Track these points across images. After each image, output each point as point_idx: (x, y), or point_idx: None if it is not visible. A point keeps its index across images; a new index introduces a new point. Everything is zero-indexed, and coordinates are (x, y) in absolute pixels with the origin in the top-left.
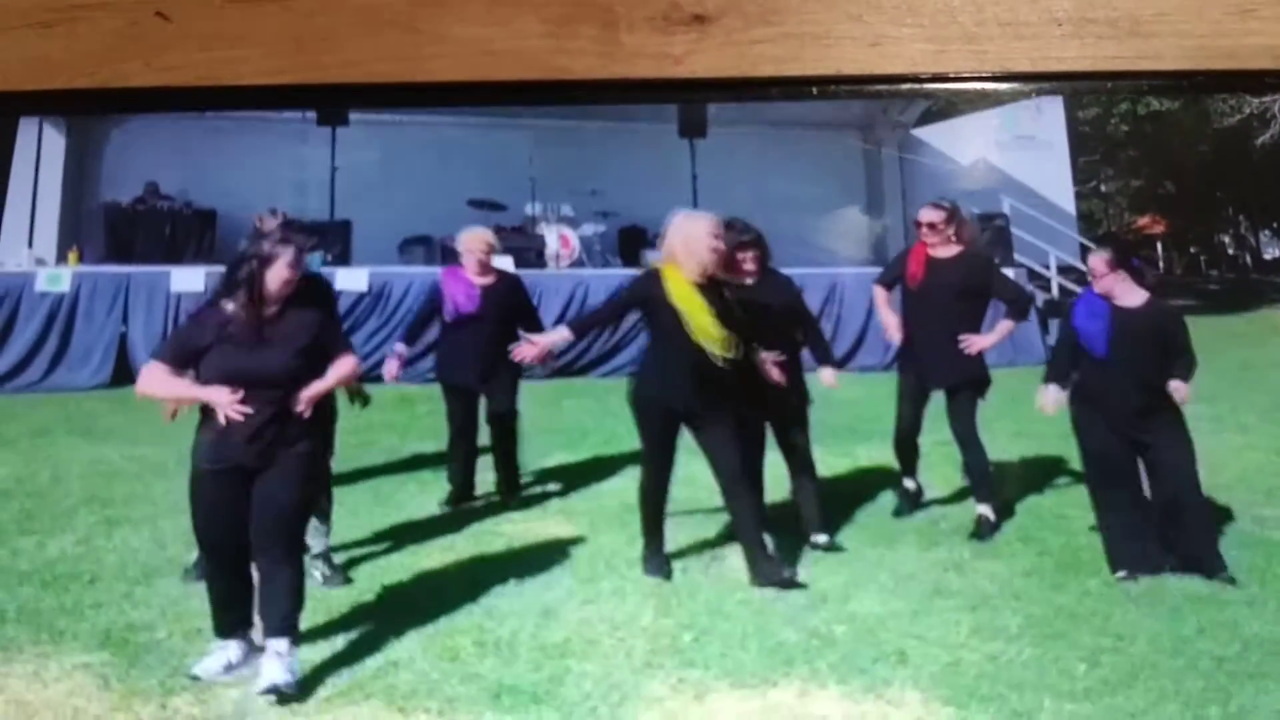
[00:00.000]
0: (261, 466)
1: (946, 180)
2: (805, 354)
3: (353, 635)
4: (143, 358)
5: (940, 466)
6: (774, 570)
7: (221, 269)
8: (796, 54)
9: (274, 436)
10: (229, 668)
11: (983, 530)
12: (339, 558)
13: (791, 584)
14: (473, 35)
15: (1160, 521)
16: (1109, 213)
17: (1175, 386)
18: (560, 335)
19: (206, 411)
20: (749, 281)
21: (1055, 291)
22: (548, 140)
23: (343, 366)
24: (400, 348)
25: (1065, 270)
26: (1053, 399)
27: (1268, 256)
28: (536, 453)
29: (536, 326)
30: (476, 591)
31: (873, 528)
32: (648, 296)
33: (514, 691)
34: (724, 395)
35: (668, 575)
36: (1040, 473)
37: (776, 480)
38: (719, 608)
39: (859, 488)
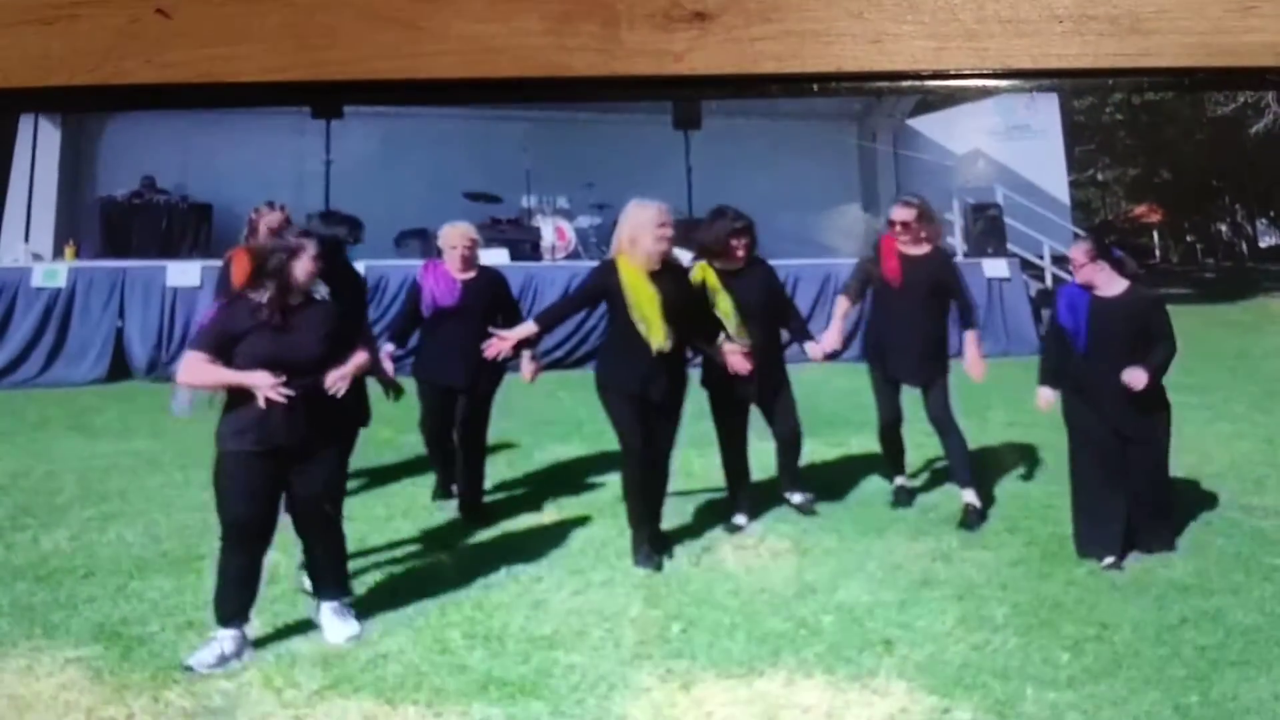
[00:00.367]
0: (299, 449)
1: (941, 171)
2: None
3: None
4: (139, 352)
5: (929, 457)
6: (650, 559)
7: (219, 263)
8: (797, 51)
9: (310, 420)
10: (222, 659)
11: (970, 517)
12: None
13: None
14: (473, 32)
15: (1130, 508)
16: (1105, 201)
17: (1131, 374)
18: (527, 329)
19: (235, 397)
20: (719, 267)
21: (1049, 281)
22: (543, 133)
23: (358, 357)
24: (389, 348)
25: (1059, 260)
26: (1045, 399)
27: (1263, 245)
28: (530, 444)
29: (517, 322)
30: (466, 583)
31: (862, 518)
32: (605, 286)
33: (502, 683)
34: (676, 381)
35: (658, 566)
36: (1030, 463)
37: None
38: (707, 598)
39: (849, 477)
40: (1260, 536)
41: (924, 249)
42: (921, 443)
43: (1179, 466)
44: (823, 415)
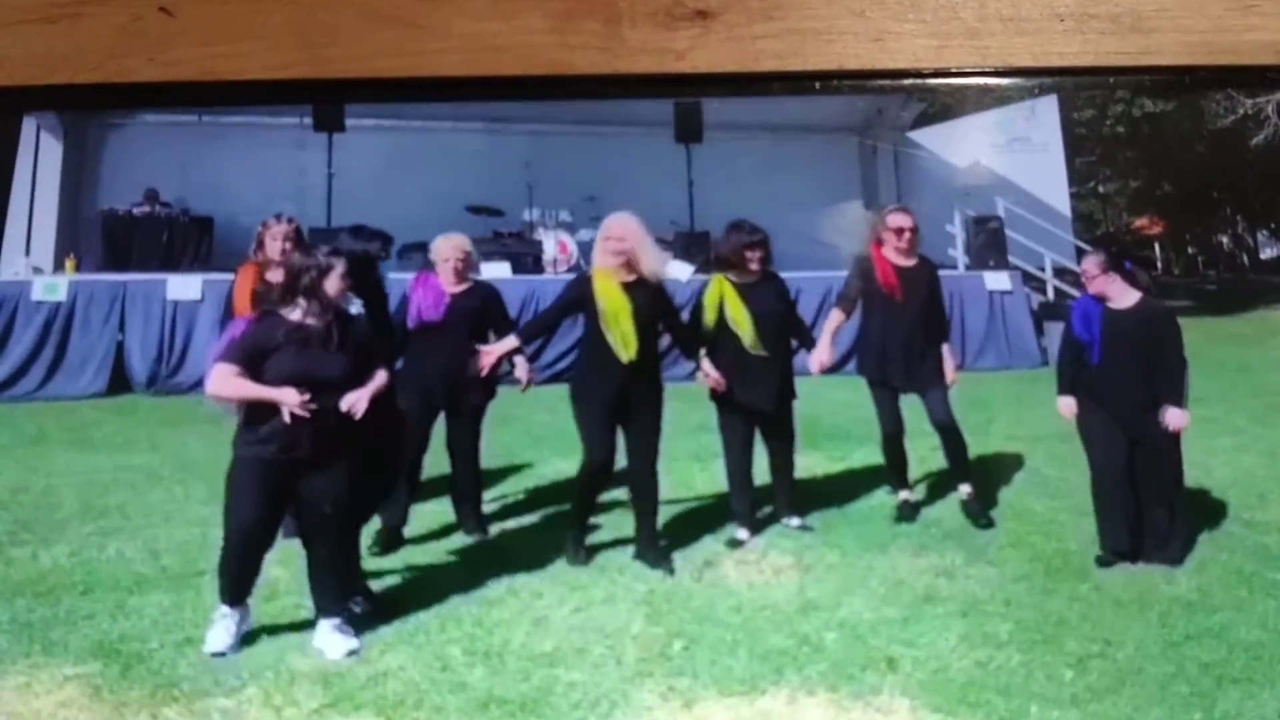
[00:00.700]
0: (312, 460)
1: (942, 183)
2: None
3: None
4: (139, 367)
5: (932, 471)
6: (657, 559)
7: (219, 276)
8: (798, 49)
9: (329, 434)
10: (234, 636)
11: (971, 505)
12: None
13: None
14: (476, 30)
15: (1143, 514)
16: (1107, 213)
17: (1172, 416)
18: (509, 343)
19: (257, 409)
20: (736, 280)
21: (1050, 294)
22: (546, 146)
23: (379, 379)
24: None
25: (1060, 272)
26: (1067, 407)
27: (1265, 256)
28: (532, 458)
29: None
30: (466, 600)
31: (865, 533)
32: (580, 297)
33: (503, 701)
34: (649, 392)
35: (585, 563)
36: (1032, 477)
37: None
38: (709, 615)
39: (851, 491)
40: (1264, 552)
41: (914, 260)
42: (925, 456)
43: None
44: (823, 428)
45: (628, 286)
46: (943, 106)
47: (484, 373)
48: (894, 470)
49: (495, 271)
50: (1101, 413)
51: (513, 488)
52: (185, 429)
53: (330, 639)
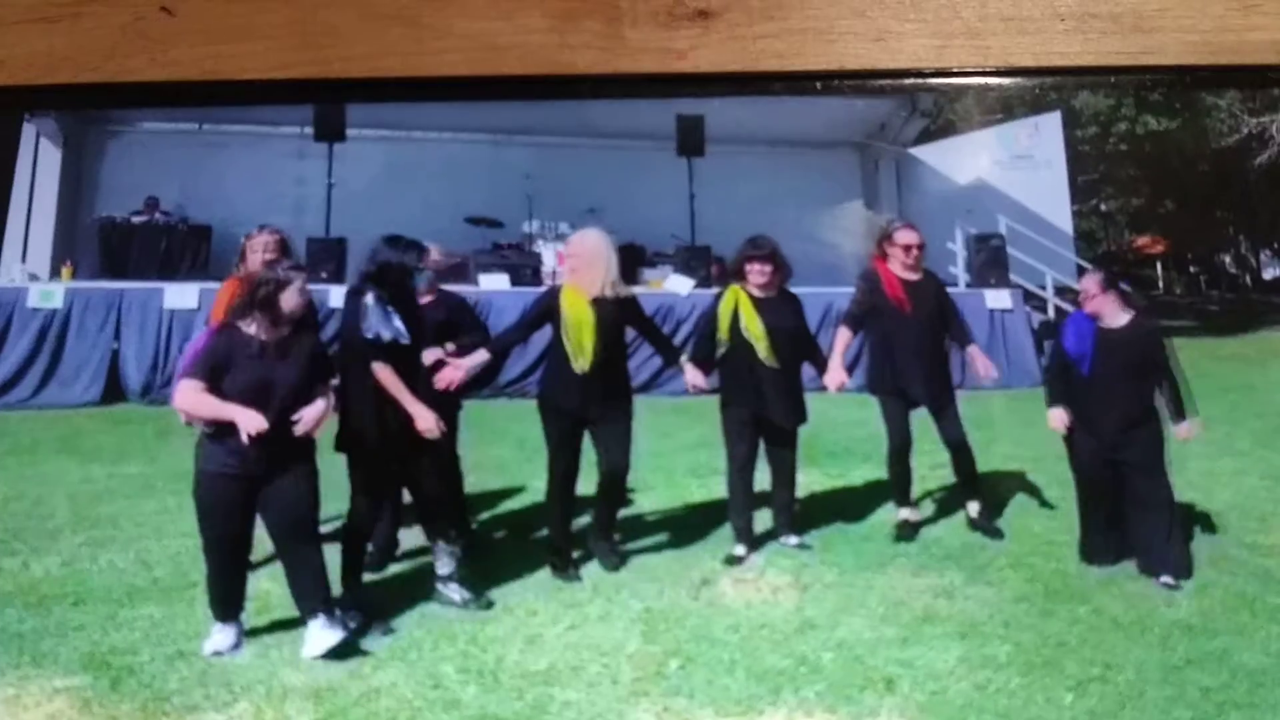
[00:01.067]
0: (275, 472)
1: (943, 200)
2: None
3: (334, 661)
4: (134, 376)
5: (931, 490)
6: (604, 553)
7: (216, 286)
8: (800, 49)
9: (291, 446)
10: (235, 646)
11: (978, 522)
12: None
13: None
14: (477, 30)
15: (1132, 530)
16: (1109, 232)
17: (1179, 428)
18: (480, 357)
19: (221, 424)
20: (757, 294)
21: (1051, 313)
22: (546, 158)
23: (327, 394)
24: None
25: (1062, 291)
26: (1058, 418)
27: (1268, 276)
28: (527, 473)
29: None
30: (460, 616)
31: (864, 552)
32: (549, 309)
33: (496, 719)
34: (611, 399)
35: (575, 578)
36: (1032, 497)
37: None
38: (706, 634)
39: (850, 510)
40: (1266, 576)
41: (919, 274)
42: (924, 475)
43: (1181, 501)
44: (823, 446)
45: (594, 300)
46: (945, 122)
47: (453, 387)
48: (898, 486)
49: (494, 283)
50: (1088, 432)
51: (505, 503)
52: (179, 439)
53: (318, 636)
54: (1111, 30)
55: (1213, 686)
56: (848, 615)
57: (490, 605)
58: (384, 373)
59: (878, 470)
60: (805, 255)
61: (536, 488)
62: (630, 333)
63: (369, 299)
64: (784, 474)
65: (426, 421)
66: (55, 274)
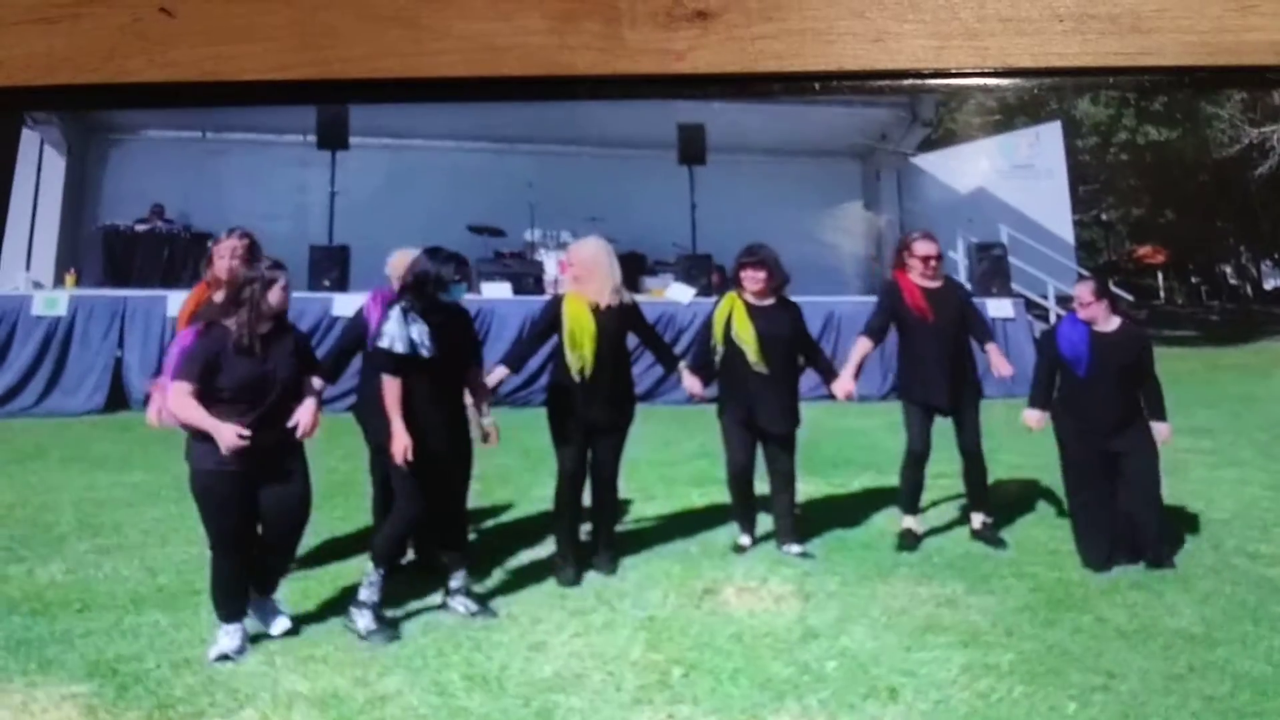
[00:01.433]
0: (271, 469)
1: (945, 209)
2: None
3: (340, 669)
4: (138, 383)
5: (935, 500)
6: (603, 565)
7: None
8: (798, 50)
9: (284, 444)
10: (240, 650)
11: (980, 533)
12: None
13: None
14: (476, 31)
15: (1123, 521)
16: (1109, 241)
17: (1159, 429)
18: (500, 373)
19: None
20: (752, 301)
21: (1053, 321)
22: (547, 166)
23: (315, 386)
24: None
25: (1063, 300)
26: (1036, 419)
27: (1269, 286)
28: (529, 481)
29: (475, 359)
30: (465, 624)
31: (865, 561)
32: (554, 318)
33: None
34: (612, 405)
35: (578, 583)
36: (1035, 506)
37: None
38: (709, 642)
39: (852, 519)
40: (1268, 585)
41: (939, 282)
42: (928, 485)
43: (1184, 510)
44: (824, 455)
45: (595, 308)
46: (946, 132)
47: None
48: (908, 494)
49: (496, 291)
50: (1078, 426)
51: (509, 512)
52: (183, 446)
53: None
54: (1110, 31)
55: (1215, 695)
56: (850, 624)
57: (494, 615)
58: (386, 385)
59: (878, 479)
60: (806, 263)
61: (540, 496)
62: (632, 340)
63: (394, 310)
64: (782, 478)
65: (399, 444)
66: (59, 282)
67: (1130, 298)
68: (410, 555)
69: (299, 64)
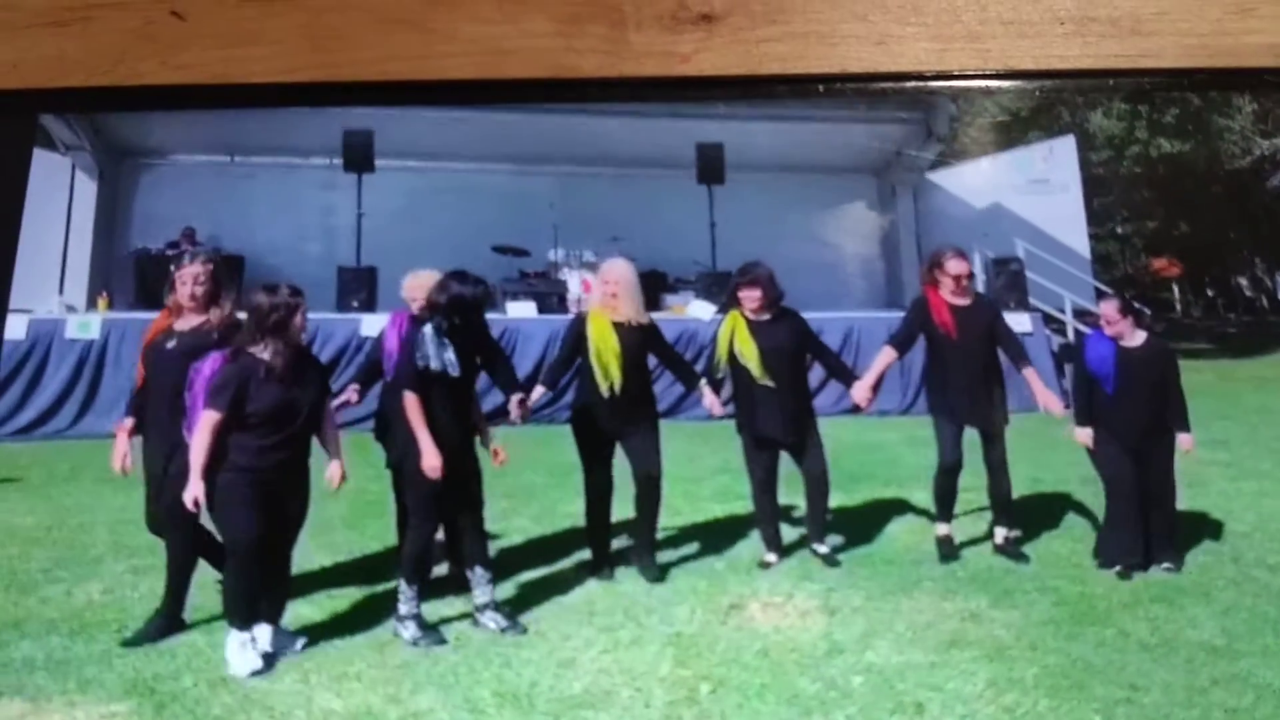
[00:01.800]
0: (293, 487)
1: (961, 224)
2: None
3: (373, 686)
4: None
5: (956, 515)
6: (648, 567)
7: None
8: (802, 53)
9: (295, 462)
10: (261, 660)
11: (1003, 547)
12: (356, 606)
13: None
14: (483, 34)
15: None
16: (1125, 255)
17: (1182, 439)
18: (539, 392)
19: (236, 438)
20: (751, 317)
21: (1071, 336)
22: (569, 187)
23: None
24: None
25: (1081, 314)
26: (1088, 436)
27: None
28: (555, 497)
29: (507, 377)
30: (495, 640)
31: (889, 575)
32: (579, 335)
33: None
34: (637, 414)
35: (610, 577)
36: (1056, 520)
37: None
38: (736, 658)
39: (875, 533)
40: None
41: (969, 299)
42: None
43: (1204, 522)
44: (845, 470)
45: (618, 325)
46: (961, 146)
47: (522, 422)
48: (941, 503)
49: (521, 310)
50: (1112, 437)
51: (536, 528)
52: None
53: (246, 652)
54: (1110, 33)
55: (1238, 708)
56: (876, 639)
57: (524, 630)
58: (411, 402)
59: (900, 493)
60: (824, 278)
61: (567, 512)
62: (652, 359)
63: (428, 329)
64: (812, 485)
65: (430, 461)
66: (92, 305)
67: (1148, 312)
68: (444, 569)
69: (308, 66)
